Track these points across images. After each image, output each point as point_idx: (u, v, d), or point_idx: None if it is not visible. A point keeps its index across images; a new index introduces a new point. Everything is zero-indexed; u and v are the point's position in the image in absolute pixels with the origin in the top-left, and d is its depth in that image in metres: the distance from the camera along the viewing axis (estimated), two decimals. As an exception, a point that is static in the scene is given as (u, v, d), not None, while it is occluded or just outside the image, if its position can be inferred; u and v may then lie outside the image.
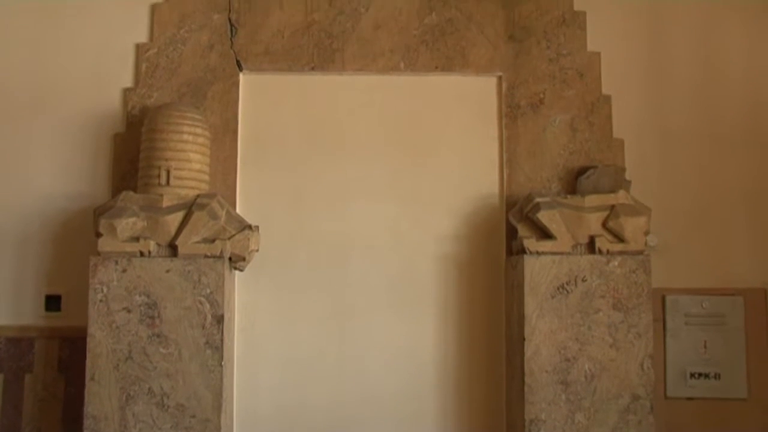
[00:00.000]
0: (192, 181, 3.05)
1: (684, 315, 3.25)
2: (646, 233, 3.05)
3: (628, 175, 3.19)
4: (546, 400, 2.99)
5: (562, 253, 3.02)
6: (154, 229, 2.96)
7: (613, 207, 3.03)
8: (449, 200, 3.29)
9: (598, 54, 3.32)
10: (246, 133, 3.30)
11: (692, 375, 3.23)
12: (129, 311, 2.94)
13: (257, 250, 3.13)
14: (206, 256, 2.97)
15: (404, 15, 3.34)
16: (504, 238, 3.26)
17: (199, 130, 3.08)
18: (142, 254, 2.96)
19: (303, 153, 3.31)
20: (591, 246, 3.03)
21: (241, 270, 3.15)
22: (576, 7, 3.34)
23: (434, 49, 3.32)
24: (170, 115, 3.06)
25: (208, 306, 2.96)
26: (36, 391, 3.20)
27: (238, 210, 3.24)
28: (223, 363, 2.95)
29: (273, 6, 3.33)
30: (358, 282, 3.26)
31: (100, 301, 2.94)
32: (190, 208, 2.97)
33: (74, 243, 3.21)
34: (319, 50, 3.32)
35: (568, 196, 3.10)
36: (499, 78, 3.33)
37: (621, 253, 3.02)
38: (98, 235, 2.96)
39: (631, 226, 3.01)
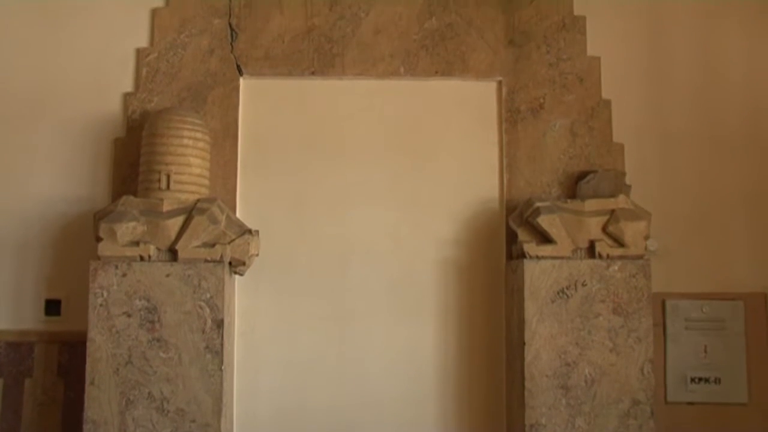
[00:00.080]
0: (192, 186, 3.05)
1: (684, 319, 3.25)
2: (646, 238, 3.05)
3: (628, 180, 3.20)
4: (546, 404, 2.99)
5: (562, 258, 3.02)
6: (154, 234, 2.97)
7: (613, 211, 3.03)
8: (449, 205, 3.29)
9: (598, 59, 3.33)
10: (246, 138, 3.30)
11: (692, 380, 3.23)
12: (129, 316, 2.94)
13: (257, 255, 3.13)
14: (206, 261, 2.97)
15: (404, 20, 3.34)
16: (504, 242, 3.26)
17: (199, 135, 3.09)
18: (142, 258, 2.96)
19: (303, 157, 3.31)
20: (591, 250, 3.03)
21: (241, 274, 3.15)
22: (576, 12, 3.35)
23: (434, 53, 3.33)
24: (170, 120, 3.06)
25: (208, 310, 2.96)
26: (36, 396, 3.20)
27: (238, 214, 3.24)
28: (223, 367, 2.95)
29: (273, 11, 3.34)
30: (358, 286, 3.26)
31: (100, 305, 2.94)
32: (190, 212, 2.97)
33: (74, 247, 3.21)
34: (319, 55, 3.33)
35: (568, 201, 3.11)
36: (499, 83, 3.33)
37: (621, 257, 3.02)
38: (98, 239, 2.96)
39: (631, 230, 3.01)
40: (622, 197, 3.07)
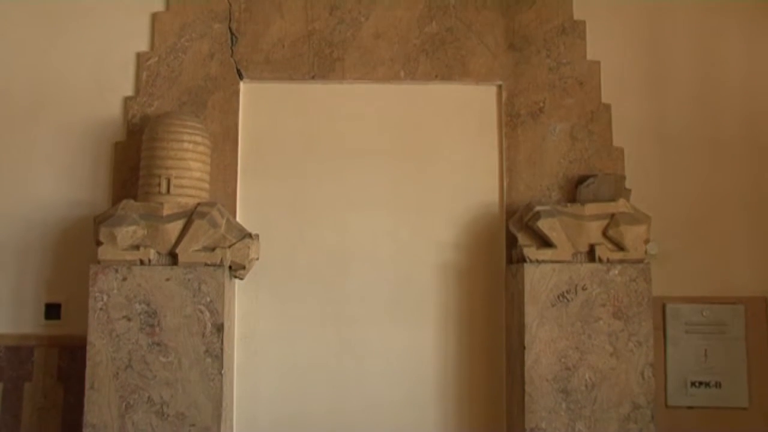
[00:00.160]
0: (192, 190, 3.05)
1: (684, 323, 3.25)
2: (646, 241, 3.05)
3: (628, 184, 3.20)
4: (546, 408, 2.98)
5: (562, 262, 3.02)
6: (155, 238, 2.97)
7: (613, 215, 3.03)
8: (449, 209, 3.29)
9: (598, 63, 3.33)
10: (246, 142, 3.30)
11: (693, 384, 3.23)
12: (129, 319, 2.94)
13: (257, 259, 3.13)
14: (206, 265, 2.97)
15: (404, 24, 3.35)
16: (504, 246, 3.26)
17: (199, 139, 3.09)
18: (142, 262, 2.96)
19: (303, 162, 3.31)
20: (591, 254, 3.03)
21: (241, 278, 3.15)
22: (576, 17, 3.35)
23: (434, 58, 3.33)
24: (171, 124, 3.06)
25: (208, 314, 2.95)
26: (35, 400, 3.19)
27: (238, 218, 3.24)
28: (223, 371, 2.95)
29: (273, 15, 3.34)
30: (358, 290, 3.26)
31: (100, 309, 2.94)
32: (190, 216, 2.97)
33: (74, 251, 3.21)
34: (319, 59, 3.33)
35: (568, 205, 3.11)
36: (499, 87, 3.33)
37: (621, 261, 3.02)
38: (98, 243, 2.96)
39: (631, 234, 3.01)
40: (622, 201, 3.07)
